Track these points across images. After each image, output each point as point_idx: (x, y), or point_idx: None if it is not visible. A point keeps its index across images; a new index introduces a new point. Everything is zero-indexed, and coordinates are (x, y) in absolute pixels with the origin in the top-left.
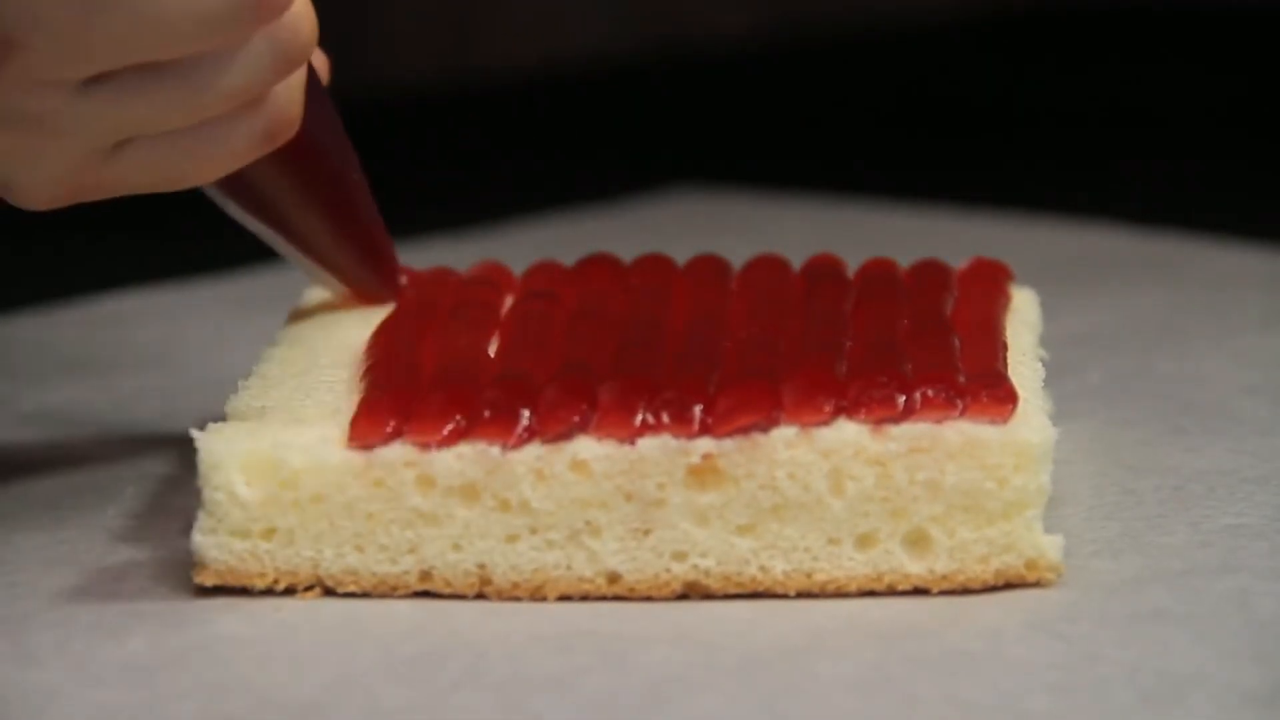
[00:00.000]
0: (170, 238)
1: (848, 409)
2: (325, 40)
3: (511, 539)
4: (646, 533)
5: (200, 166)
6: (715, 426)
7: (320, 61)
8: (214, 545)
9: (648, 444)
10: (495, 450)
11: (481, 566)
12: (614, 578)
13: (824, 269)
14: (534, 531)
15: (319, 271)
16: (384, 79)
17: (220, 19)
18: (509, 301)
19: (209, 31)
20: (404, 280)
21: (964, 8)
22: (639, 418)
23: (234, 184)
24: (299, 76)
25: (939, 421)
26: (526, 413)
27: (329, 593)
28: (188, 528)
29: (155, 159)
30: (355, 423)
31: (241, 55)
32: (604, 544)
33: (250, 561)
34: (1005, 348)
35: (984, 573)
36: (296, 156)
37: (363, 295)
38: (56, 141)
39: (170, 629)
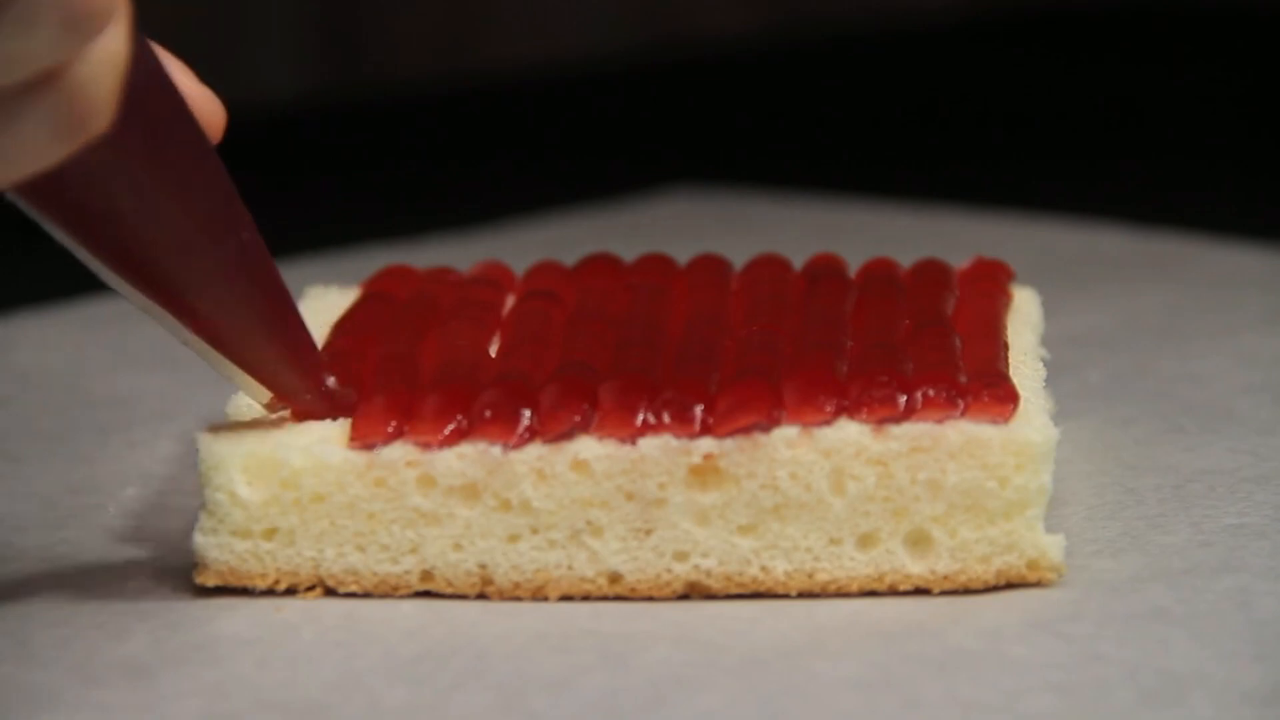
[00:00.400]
0: None
1: (849, 409)
2: (326, 40)
3: (513, 539)
4: (648, 533)
5: None
6: (716, 426)
7: (214, 114)
8: (215, 545)
9: (649, 444)
10: (496, 450)
11: (483, 566)
12: (615, 578)
13: (824, 269)
14: (535, 531)
15: (224, 364)
16: (384, 79)
17: None
18: (510, 301)
19: None
20: (331, 382)
21: (964, 7)
22: (640, 417)
23: (61, 204)
24: (107, 55)
25: (940, 421)
26: (527, 412)
27: (330, 593)
28: (188, 528)
29: None
30: (356, 422)
31: (19, 11)
32: (605, 544)
33: (251, 562)
34: (1006, 347)
35: (985, 572)
36: (165, 198)
37: (285, 398)
38: None
39: (171, 629)
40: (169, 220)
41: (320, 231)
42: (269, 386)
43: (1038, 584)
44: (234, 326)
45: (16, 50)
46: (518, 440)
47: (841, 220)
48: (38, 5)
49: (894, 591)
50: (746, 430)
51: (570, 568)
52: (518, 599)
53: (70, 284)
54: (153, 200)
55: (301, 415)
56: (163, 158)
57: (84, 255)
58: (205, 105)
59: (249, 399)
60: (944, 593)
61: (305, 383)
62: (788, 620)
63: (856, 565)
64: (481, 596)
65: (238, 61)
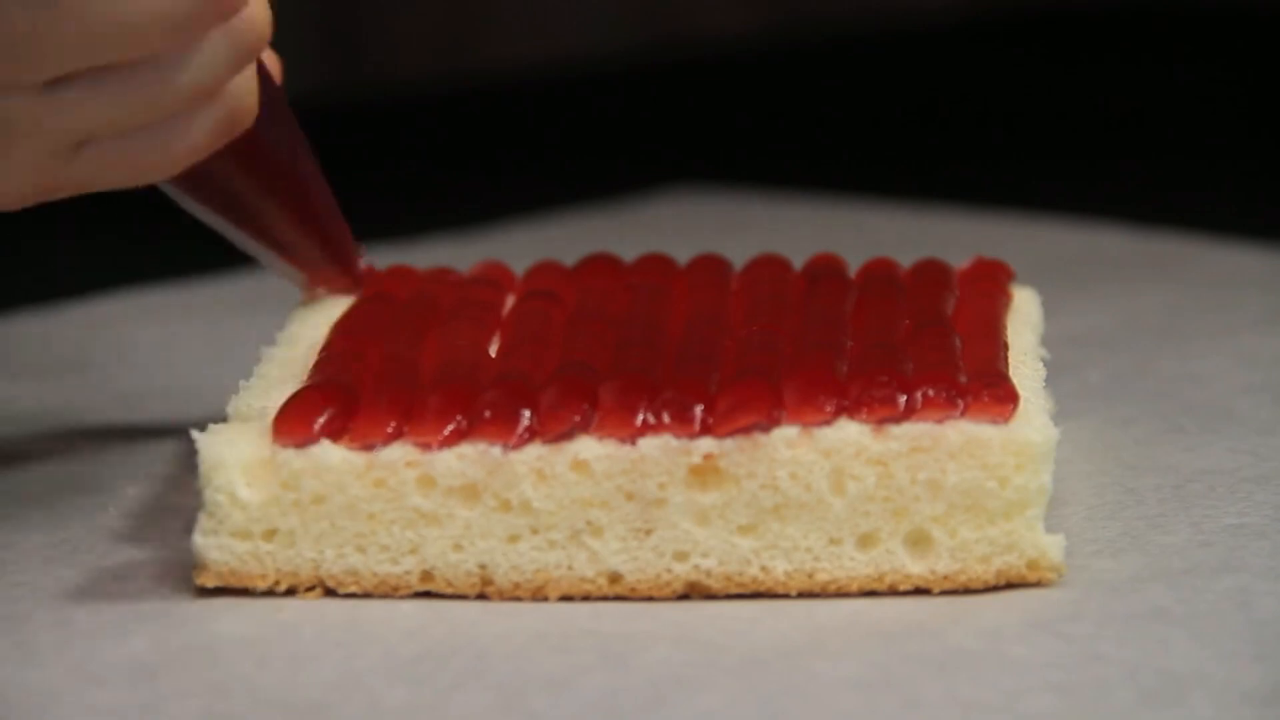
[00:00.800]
0: (169, 238)
1: (849, 408)
2: (326, 40)
3: (513, 539)
4: (648, 533)
5: (161, 161)
6: (716, 426)
7: (272, 62)
8: (215, 547)
9: (649, 444)
10: (496, 450)
11: (483, 567)
12: (615, 578)
13: (824, 269)
14: (535, 531)
15: (278, 261)
16: (384, 79)
17: (179, 19)
18: (510, 301)
19: (168, 32)
20: (363, 266)
21: (964, 7)
22: (640, 417)
23: (190, 178)
24: (253, 66)
25: (940, 421)
26: (527, 413)
27: (330, 593)
28: (188, 528)
29: (117, 156)
30: (356, 423)
31: (200, 52)
32: (605, 544)
33: (251, 563)
34: (1006, 347)
35: (985, 572)
36: (248, 148)
37: (323, 283)
38: (19, 144)
39: (171, 629)
40: (261, 162)
41: None
42: (310, 275)
43: (1038, 584)
44: (292, 234)
45: (198, 81)
46: (518, 440)
47: (841, 220)
48: (218, 46)
49: (894, 591)
50: (746, 430)
51: (570, 568)
52: (518, 599)
53: (70, 284)
54: (251, 150)
55: (337, 290)
56: (260, 116)
57: (176, 194)
58: (268, 58)
59: (290, 283)
60: (944, 593)
61: (342, 270)
62: (788, 620)
63: (856, 565)
64: (481, 596)
65: None
